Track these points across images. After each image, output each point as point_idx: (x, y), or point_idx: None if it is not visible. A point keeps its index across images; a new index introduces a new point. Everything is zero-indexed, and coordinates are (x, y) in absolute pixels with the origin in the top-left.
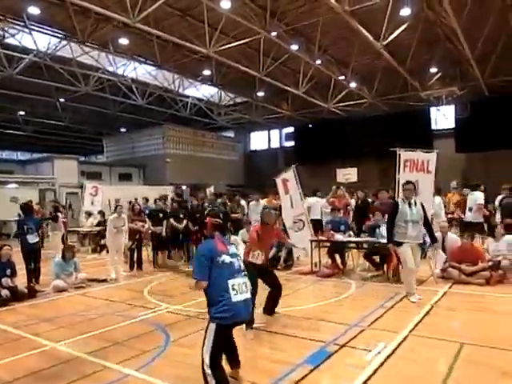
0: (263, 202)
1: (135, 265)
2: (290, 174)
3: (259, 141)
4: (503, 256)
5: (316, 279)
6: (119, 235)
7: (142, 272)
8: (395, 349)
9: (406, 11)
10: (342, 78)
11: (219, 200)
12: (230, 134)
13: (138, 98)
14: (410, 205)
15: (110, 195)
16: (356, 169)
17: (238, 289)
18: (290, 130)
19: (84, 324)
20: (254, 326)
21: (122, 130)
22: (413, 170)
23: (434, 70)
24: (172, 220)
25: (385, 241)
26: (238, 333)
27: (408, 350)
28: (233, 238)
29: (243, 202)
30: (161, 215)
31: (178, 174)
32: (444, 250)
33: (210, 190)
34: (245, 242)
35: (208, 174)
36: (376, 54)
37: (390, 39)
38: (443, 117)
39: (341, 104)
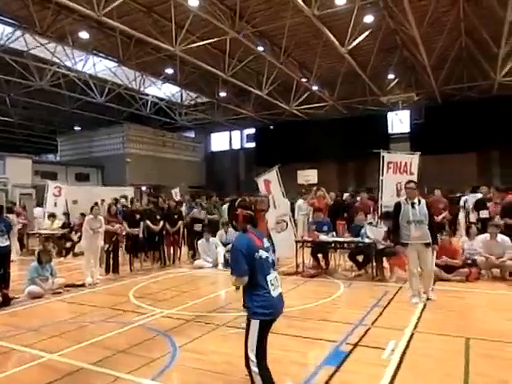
0: None
1: (111, 268)
2: (272, 175)
3: (220, 142)
4: (479, 254)
5: (303, 279)
6: (96, 237)
7: (118, 276)
8: (407, 346)
9: (369, 18)
10: (305, 80)
11: (197, 200)
12: (191, 134)
13: (96, 95)
14: (413, 205)
15: (68, 196)
16: (316, 170)
17: (275, 283)
18: (252, 131)
19: (77, 332)
20: None
21: (77, 128)
22: (396, 172)
23: (391, 76)
24: (148, 222)
25: (368, 241)
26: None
27: (420, 347)
28: (211, 239)
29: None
30: (137, 216)
31: (138, 174)
32: None
33: (176, 191)
34: (223, 244)
35: (169, 174)
36: (338, 59)
37: (353, 44)
38: (399, 121)
39: (302, 106)
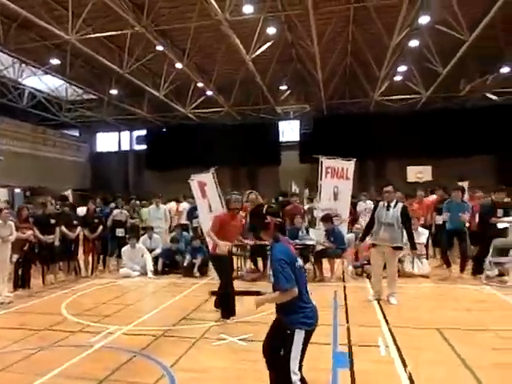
0: (164, 206)
1: (20, 282)
2: (208, 178)
3: (108, 142)
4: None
5: (246, 284)
6: (4, 247)
7: (31, 291)
8: (395, 341)
9: (271, 30)
10: (202, 85)
11: (112, 204)
12: (75, 132)
13: None
14: (388, 207)
15: None
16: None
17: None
18: (143, 132)
19: (28, 363)
20: (243, 337)
21: None
22: (334, 177)
23: (284, 87)
24: (63, 227)
25: (309, 242)
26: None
27: (407, 341)
28: (138, 245)
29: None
30: (52, 221)
31: (12, 174)
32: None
33: (68, 193)
34: (150, 250)
35: (49, 175)
36: (237, 65)
37: (257, 53)
38: (290, 130)
39: (198, 110)
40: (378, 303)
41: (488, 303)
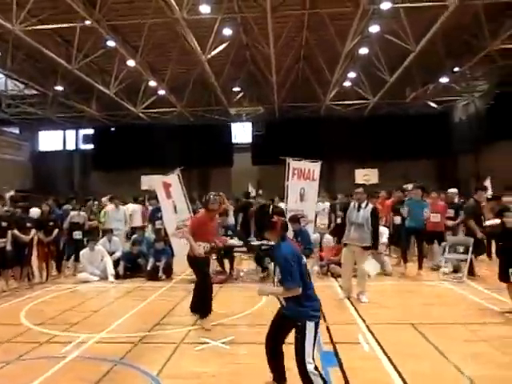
0: (124, 207)
1: None
2: (173, 178)
3: (51, 141)
4: None
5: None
6: None
7: None
8: (374, 338)
9: (227, 31)
10: (154, 84)
11: (65, 206)
12: (15, 130)
13: None
14: (359, 208)
15: None
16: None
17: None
18: (90, 131)
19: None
20: (225, 340)
21: None
22: (300, 178)
23: (237, 88)
24: (16, 230)
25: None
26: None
27: (387, 337)
28: (97, 248)
29: None
30: (4, 224)
31: None
32: (321, 248)
33: (10, 194)
34: (109, 253)
35: None
36: (190, 65)
37: (213, 54)
38: (243, 132)
39: (149, 110)
40: (350, 301)
41: (449, 298)
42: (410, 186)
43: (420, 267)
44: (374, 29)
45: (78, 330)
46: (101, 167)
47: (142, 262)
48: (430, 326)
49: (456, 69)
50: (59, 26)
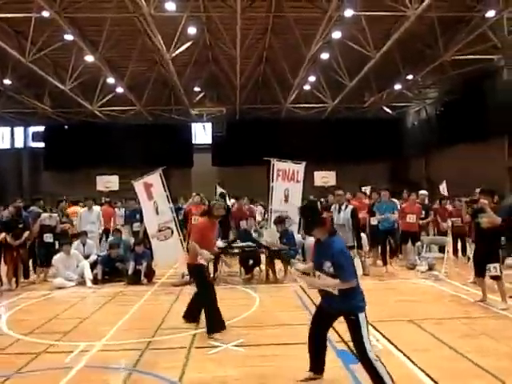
0: (98, 209)
1: None
2: (155, 178)
3: None
4: None
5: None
6: None
7: None
8: (382, 335)
9: (192, 30)
10: (113, 81)
11: (32, 208)
12: None
13: None
14: (339, 210)
15: None
16: (117, 177)
17: None
18: (40, 129)
19: None
20: (236, 343)
21: None
22: (285, 179)
23: (198, 88)
24: None
25: (265, 244)
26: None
27: (394, 333)
28: (73, 252)
29: None
30: None
31: None
32: (303, 249)
33: None
34: (84, 257)
35: None
36: (152, 64)
37: (177, 52)
38: (203, 133)
39: (106, 108)
40: None
41: (433, 294)
42: (368, 189)
43: (385, 263)
44: (337, 35)
45: (73, 338)
46: (52, 167)
47: (120, 266)
48: (428, 322)
49: (410, 76)
50: (12, 15)
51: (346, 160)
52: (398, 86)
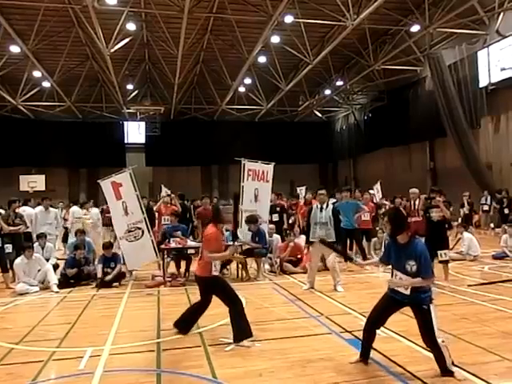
0: (55, 210)
1: None
2: (124, 178)
3: None
4: None
5: (179, 289)
6: None
7: None
8: None
9: (131, 26)
10: (39, 75)
11: None
12: None
13: None
14: (321, 209)
15: None
16: (44, 176)
17: None
18: None
19: None
20: (251, 340)
21: None
22: (255, 179)
23: (130, 86)
24: None
25: (237, 243)
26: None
27: (395, 324)
28: (35, 256)
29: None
30: None
31: None
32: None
33: None
34: (47, 260)
35: None
36: (84, 59)
37: (116, 48)
38: (137, 132)
39: (31, 103)
40: (322, 293)
41: None
42: (302, 190)
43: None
44: (275, 39)
45: (73, 344)
46: None
47: (87, 269)
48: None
49: (340, 83)
50: None
51: (277, 161)
52: (328, 92)
